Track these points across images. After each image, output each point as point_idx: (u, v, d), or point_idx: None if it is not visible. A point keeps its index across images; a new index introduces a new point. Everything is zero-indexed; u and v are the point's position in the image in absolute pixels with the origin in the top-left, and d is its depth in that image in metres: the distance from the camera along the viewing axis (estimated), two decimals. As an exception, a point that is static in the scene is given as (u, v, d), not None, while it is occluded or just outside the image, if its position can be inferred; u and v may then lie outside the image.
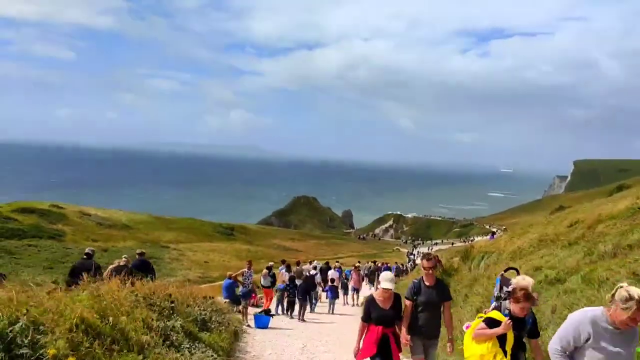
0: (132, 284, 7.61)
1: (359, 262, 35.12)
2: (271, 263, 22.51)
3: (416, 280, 6.01)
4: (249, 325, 13.43)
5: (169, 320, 6.94)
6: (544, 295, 7.13)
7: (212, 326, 8.70)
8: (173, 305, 8.09)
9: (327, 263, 27.42)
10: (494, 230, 72.47)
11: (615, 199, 20.71)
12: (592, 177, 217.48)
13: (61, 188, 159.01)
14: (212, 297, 12.40)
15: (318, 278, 20.97)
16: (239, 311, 14.63)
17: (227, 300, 15.12)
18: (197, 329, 7.93)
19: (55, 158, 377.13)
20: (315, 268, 23.43)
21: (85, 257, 11.93)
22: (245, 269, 15.20)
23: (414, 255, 73.36)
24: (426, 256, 6.12)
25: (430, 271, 5.84)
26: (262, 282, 18.15)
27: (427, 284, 5.90)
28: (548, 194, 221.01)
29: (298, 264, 22.78)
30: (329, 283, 20.25)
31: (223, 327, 9.15)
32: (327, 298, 20.15)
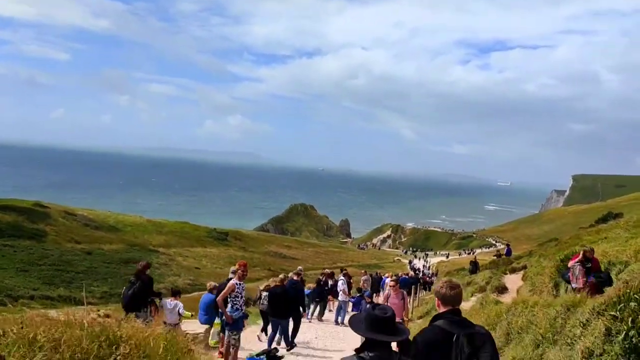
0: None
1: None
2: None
3: None
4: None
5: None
6: None
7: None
8: None
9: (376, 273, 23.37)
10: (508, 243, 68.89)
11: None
12: (591, 192, 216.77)
13: (49, 189, 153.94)
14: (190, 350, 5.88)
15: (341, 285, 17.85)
16: (220, 343, 9.86)
17: (205, 325, 10.98)
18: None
19: (47, 159, 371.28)
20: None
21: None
22: (235, 279, 8.66)
23: (426, 264, 70.25)
24: None
25: None
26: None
27: None
28: (545, 208, 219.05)
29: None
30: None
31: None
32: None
